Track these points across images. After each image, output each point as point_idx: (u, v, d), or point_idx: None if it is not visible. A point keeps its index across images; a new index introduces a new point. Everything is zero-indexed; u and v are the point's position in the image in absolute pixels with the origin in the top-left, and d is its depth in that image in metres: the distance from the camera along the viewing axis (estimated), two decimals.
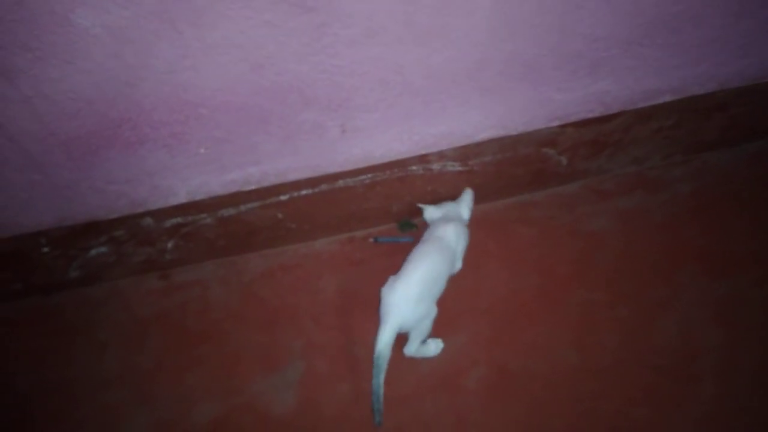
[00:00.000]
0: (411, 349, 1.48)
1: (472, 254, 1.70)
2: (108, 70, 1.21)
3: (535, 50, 1.42)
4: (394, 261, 1.66)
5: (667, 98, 1.64)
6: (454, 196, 1.74)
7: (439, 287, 1.49)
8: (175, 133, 1.38)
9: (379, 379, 1.35)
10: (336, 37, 1.25)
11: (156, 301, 1.71)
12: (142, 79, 1.25)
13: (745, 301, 1.57)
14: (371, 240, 1.76)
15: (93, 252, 1.64)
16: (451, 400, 1.48)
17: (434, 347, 1.53)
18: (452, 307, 1.61)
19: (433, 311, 1.47)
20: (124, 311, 1.70)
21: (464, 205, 1.66)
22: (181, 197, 1.56)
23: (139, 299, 1.72)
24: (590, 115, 1.63)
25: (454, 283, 1.65)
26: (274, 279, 1.72)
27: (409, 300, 1.40)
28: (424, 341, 1.51)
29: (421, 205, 1.65)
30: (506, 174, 1.72)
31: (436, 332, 1.54)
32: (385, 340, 1.37)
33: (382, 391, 1.35)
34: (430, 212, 1.63)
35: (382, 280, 1.59)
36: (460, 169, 1.66)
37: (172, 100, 1.31)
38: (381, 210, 1.72)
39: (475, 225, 1.75)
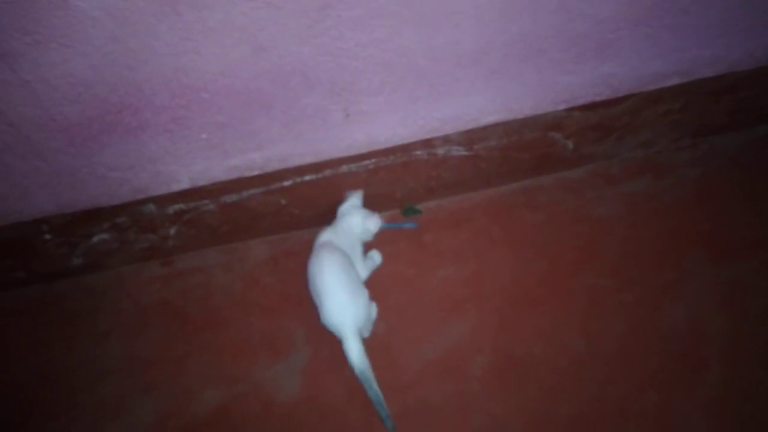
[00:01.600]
0: (364, 334, 1.51)
1: (476, 240, 1.69)
2: (108, 53, 1.20)
3: (541, 32, 1.39)
4: (398, 247, 1.66)
5: (675, 81, 1.62)
6: (458, 182, 1.73)
7: (354, 274, 1.49)
8: (177, 118, 1.37)
9: (373, 388, 1.36)
10: (339, 19, 1.23)
11: (158, 289, 1.70)
12: (142, 62, 1.23)
13: (752, 286, 1.56)
14: None
15: (95, 239, 1.63)
16: (455, 386, 1.48)
17: (372, 311, 1.55)
18: (457, 293, 1.61)
19: (364, 292, 1.48)
20: (126, 299, 1.69)
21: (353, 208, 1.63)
22: (183, 183, 1.55)
23: (141, 287, 1.71)
24: (597, 99, 1.61)
25: (458, 269, 1.65)
26: (277, 266, 1.71)
27: (348, 308, 1.41)
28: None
29: (354, 193, 1.64)
30: (512, 158, 1.70)
31: (439, 316, 1.57)
32: (356, 354, 1.38)
33: (381, 397, 1.36)
34: (346, 205, 1.62)
35: (385, 266, 1.59)
36: (465, 153, 1.65)
37: (173, 84, 1.29)
38: (385, 196, 1.71)
39: (480, 211, 1.74)
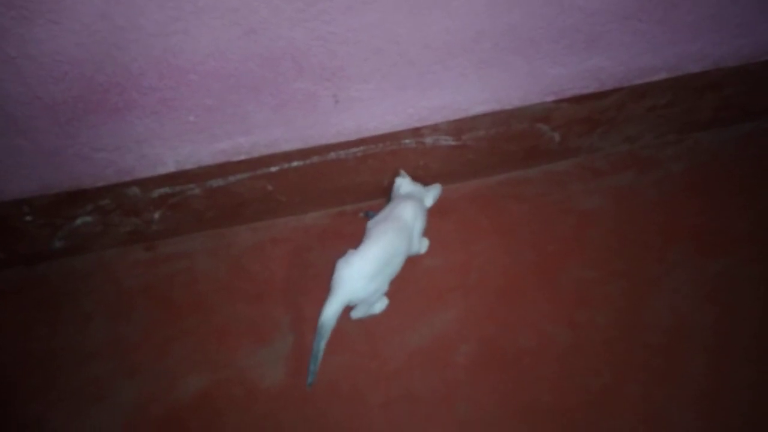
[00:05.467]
0: (358, 314, 1.50)
1: (463, 230, 1.69)
2: (96, 31, 1.18)
3: (532, 23, 1.40)
4: None
5: (662, 76, 1.63)
6: (446, 172, 1.73)
7: (394, 266, 1.47)
8: (165, 99, 1.35)
9: (320, 344, 1.36)
10: (331, 3, 1.23)
11: (142, 273, 1.68)
12: (130, 41, 1.21)
13: (738, 279, 1.57)
14: (361, 215, 1.75)
15: (78, 221, 1.61)
16: (440, 374, 1.48)
17: (379, 305, 1.54)
18: (442, 282, 1.61)
19: (384, 287, 1.46)
20: (109, 282, 1.67)
21: (430, 195, 1.62)
22: (169, 166, 1.53)
23: (125, 270, 1.69)
24: (585, 92, 1.61)
25: (444, 258, 1.65)
26: (263, 252, 1.70)
27: (363, 276, 1.39)
28: None
29: (402, 172, 1.64)
30: (499, 150, 1.71)
31: (425, 306, 1.56)
32: (331, 311, 1.37)
33: (321, 355, 1.36)
34: (403, 184, 1.62)
35: None
36: (453, 143, 1.65)
37: (161, 64, 1.27)
38: (372, 184, 1.70)
39: (467, 201, 1.74)
